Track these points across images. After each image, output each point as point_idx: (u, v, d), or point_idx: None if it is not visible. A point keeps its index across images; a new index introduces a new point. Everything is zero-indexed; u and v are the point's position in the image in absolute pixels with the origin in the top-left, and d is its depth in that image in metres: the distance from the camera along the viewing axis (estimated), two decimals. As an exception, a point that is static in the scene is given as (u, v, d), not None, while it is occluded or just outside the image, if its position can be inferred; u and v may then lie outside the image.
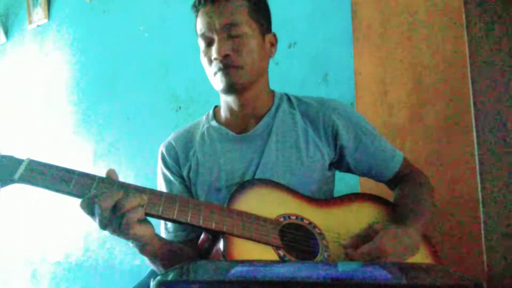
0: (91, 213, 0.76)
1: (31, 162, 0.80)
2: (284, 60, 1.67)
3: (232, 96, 1.04)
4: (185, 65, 2.02)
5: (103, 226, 0.76)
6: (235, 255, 0.80)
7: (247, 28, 0.99)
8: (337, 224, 0.94)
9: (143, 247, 0.84)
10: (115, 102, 2.31)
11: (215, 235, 0.86)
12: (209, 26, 0.98)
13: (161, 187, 1.10)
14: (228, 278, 0.55)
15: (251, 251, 0.82)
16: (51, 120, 2.60)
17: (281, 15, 1.68)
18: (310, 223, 0.92)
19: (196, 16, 1.03)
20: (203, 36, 1.00)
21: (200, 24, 1.01)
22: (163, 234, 1.06)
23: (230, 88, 0.99)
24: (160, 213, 0.80)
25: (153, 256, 0.88)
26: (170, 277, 0.55)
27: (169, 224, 1.05)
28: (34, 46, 2.75)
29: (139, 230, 0.78)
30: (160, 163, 1.11)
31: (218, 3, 0.98)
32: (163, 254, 0.89)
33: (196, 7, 1.02)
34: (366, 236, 0.84)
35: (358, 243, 0.83)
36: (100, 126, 2.36)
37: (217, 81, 1.00)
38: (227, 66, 0.97)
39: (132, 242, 0.82)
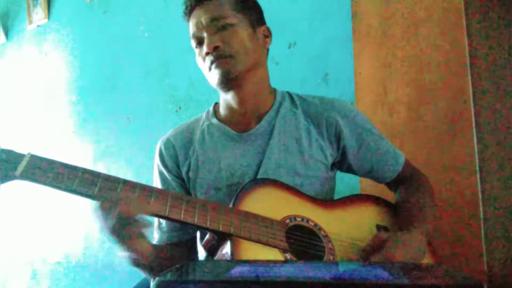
0: (106, 216, 0.73)
1: (33, 157, 0.76)
2: (284, 60, 1.67)
3: (231, 93, 1.03)
4: (185, 65, 2.02)
5: (112, 232, 0.73)
6: (242, 258, 0.79)
7: (234, 19, 1.00)
8: (342, 226, 0.93)
9: (138, 261, 0.81)
10: (115, 102, 2.31)
11: (220, 236, 0.84)
12: (197, 25, 1.01)
13: (156, 184, 1.09)
14: (228, 278, 0.55)
15: (258, 253, 0.81)
16: (51, 120, 2.60)
17: (281, 15, 1.69)
18: (315, 225, 0.91)
19: (188, 23, 1.05)
20: (194, 37, 1.02)
21: (191, 27, 1.04)
22: (155, 233, 1.05)
23: (226, 79, 0.98)
24: (166, 214, 0.78)
25: (146, 268, 0.87)
26: (170, 277, 0.55)
27: (163, 224, 1.04)
28: (34, 46, 2.75)
29: (141, 243, 0.76)
30: (157, 160, 1.09)
31: (202, 3, 1.01)
32: (156, 265, 0.87)
33: (186, 14, 1.05)
34: (374, 246, 0.84)
35: (367, 254, 0.84)
36: (100, 126, 2.36)
37: (213, 76, 1.00)
38: (219, 57, 0.98)
39: (127, 255, 0.79)
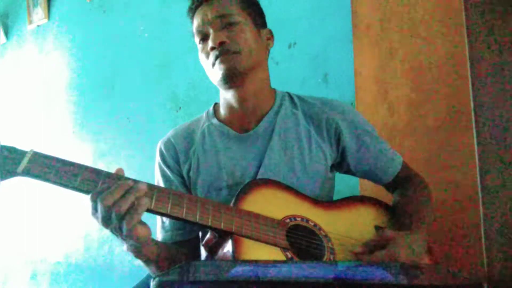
0: (95, 208, 0.74)
1: (35, 154, 0.77)
2: (284, 60, 1.67)
3: (232, 91, 1.03)
4: (185, 65, 2.02)
5: (104, 223, 0.75)
6: (243, 256, 0.79)
7: (240, 18, 1.01)
8: (342, 226, 0.94)
9: (140, 249, 0.82)
10: (115, 102, 2.31)
11: (221, 235, 0.85)
12: (203, 21, 1.01)
13: (159, 184, 1.08)
14: (228, 278, 0.55)
15: (259, 252, 0.82)
16: (51, 120, 2.60)
17: (281, 15, 1.69)
18: (315, 225, 0.92)
19: (192, 19, 1.05)
20: (198, 32, 1.02)
21: (195, 23, 1.03)
22: (159, 233, 1.05)
23: (229, 75, 0.98)
24: (168, 211, 0.79)
25: (148, 260, 0.87)
26: (170, 277, 0.55)
27: (167, 223, 1.04)
28: (34, 46, 2.75)
29: (140, 229, 0.76)
30: (158, 160, 1.09)
31: (209, 0, 1.01)
32: (158, 257, 0.87)
33: (191, 9, 1.05)
34: (377, 242, 0.85)
35: (370, 249, 0.84)
36: (100, 126, 2.36)
37: (216, 71, 0.99)
38: (224, 53, 0.98)
39: (130, 244, 0.80)
